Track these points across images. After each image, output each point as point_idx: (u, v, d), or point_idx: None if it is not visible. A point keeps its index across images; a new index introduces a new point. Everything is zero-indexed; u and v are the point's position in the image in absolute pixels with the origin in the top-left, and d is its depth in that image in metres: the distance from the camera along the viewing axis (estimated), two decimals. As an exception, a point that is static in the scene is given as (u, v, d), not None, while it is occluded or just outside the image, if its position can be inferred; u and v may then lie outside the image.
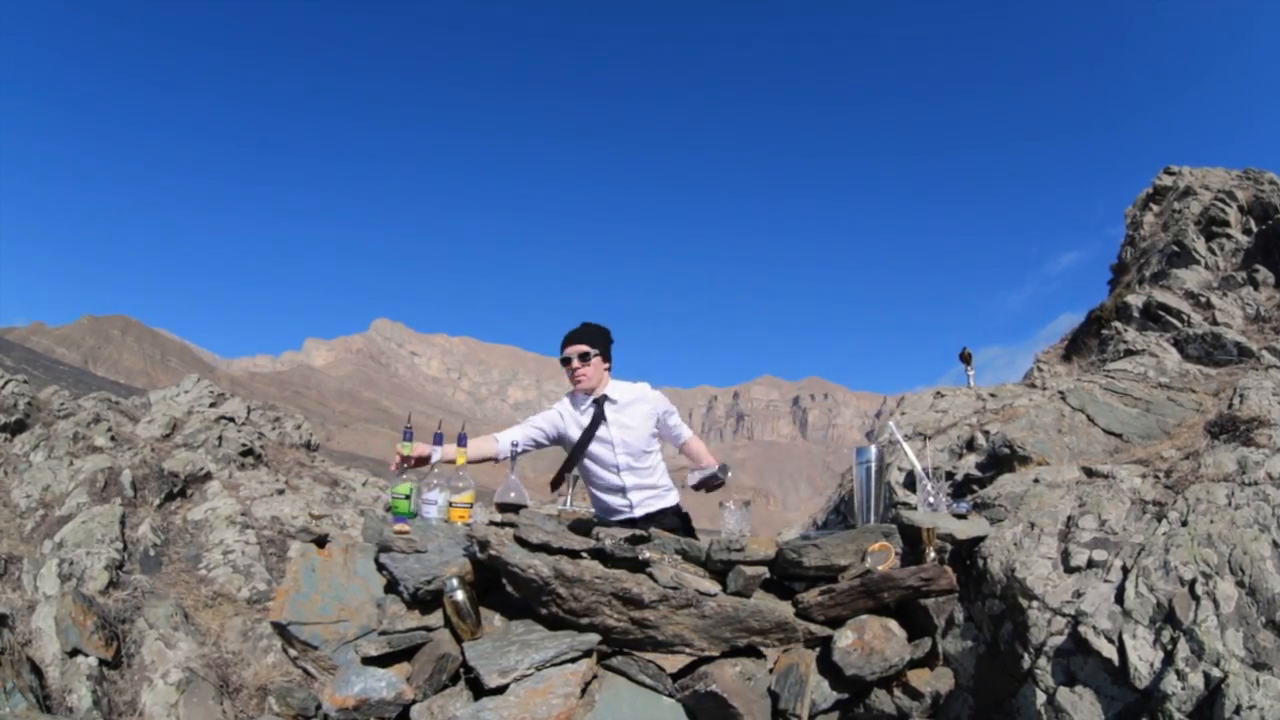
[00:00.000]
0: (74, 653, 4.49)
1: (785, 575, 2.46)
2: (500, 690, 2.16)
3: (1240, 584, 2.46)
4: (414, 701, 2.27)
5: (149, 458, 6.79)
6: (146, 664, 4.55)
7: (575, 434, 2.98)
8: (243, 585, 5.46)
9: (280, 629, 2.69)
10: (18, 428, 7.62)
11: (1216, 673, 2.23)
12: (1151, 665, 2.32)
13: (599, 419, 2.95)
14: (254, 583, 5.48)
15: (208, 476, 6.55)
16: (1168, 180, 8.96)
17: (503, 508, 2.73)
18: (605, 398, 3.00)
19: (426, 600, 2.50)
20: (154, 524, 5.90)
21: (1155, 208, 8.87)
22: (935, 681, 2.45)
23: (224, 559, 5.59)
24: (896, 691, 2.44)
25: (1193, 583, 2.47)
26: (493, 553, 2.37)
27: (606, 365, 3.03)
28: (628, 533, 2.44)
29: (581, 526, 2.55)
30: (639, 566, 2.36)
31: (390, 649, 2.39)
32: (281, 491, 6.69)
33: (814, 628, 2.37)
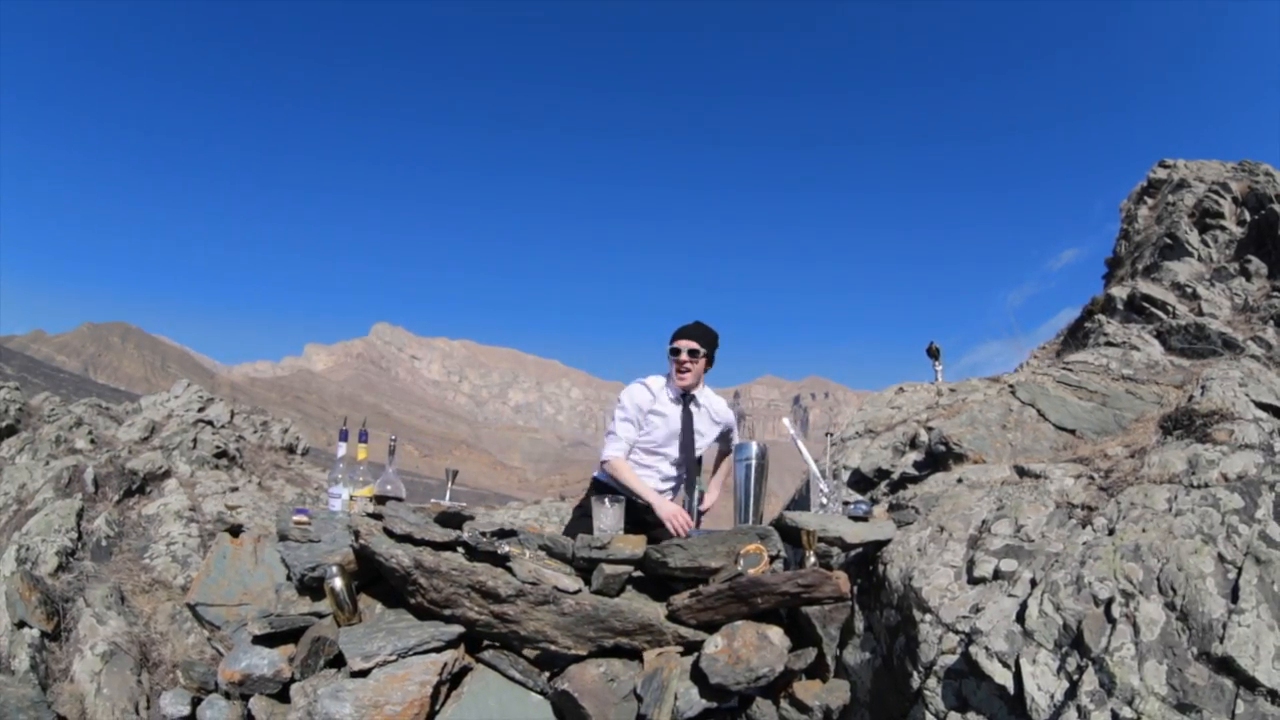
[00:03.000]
0: (20, 624, 4.83)
1: (656, 576, 2.32)
2: (364, 674, 2.17)
3: (1170, 606, 2.12)
4: (293, 680, 2.31)
5: (116, 457, 6.88)
6: (80, 637, 4.85)
7: (663, 411, 3.00)
8: (179, 573, 5.71)
9: (191, 609, 2.83)
10: (8, 432, 7.89)
11: (1128, 713, 1.89)
12: (1052, 697, 2.01)
13: (687, 417, 2.99)
14: (189, 571, 5.70)
15: (167, 474, 6.62)
16: (1162, 173, 8.63)
17: (379, 499, 2.65)
18: (693, 398, 3.06)
19: (314, 587, 2.53)
20: (109, 518, 6.00)
21: (1149, 201, 8.54)
22: (826, 695, 2.29)
23: (166, 549, 5.71)
24: (783, 704, 2.29)
25: (1109, 602, 2.15)
26: (363, 542, 2.36)
27: (707, 369, 3.08)
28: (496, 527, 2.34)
29: (449, 519, 2.44)
30: (500, 560, 2.25)
31: (273, 630, 2.44)
32: (235, 489, 6.73)
33: (685, 631, 2.23)
